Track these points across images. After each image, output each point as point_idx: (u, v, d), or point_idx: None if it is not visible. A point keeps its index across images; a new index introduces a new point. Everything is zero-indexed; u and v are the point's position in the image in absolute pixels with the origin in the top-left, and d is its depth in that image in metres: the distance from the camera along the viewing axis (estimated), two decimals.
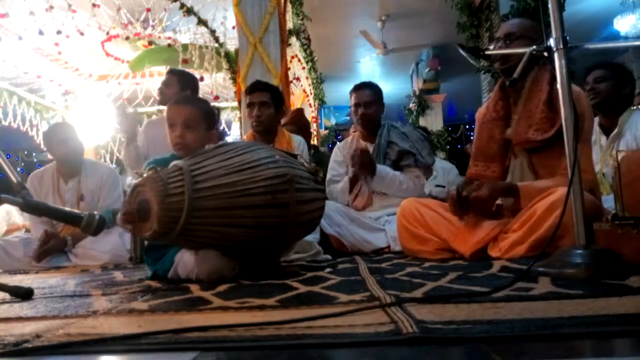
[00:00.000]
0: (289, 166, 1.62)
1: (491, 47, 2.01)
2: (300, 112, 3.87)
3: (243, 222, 1.51)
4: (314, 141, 6.24)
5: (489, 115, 2.05)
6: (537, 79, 1.91)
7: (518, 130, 1.93)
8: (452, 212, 1.94)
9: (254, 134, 2.76)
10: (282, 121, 3.52)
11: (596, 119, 2.68)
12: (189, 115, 1.77)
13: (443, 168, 4.27)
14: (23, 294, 1.37)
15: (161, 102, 3.07)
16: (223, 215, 1.50)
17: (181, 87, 2.93)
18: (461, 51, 1.69)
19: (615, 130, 2.59)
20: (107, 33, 5.49)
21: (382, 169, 2.72)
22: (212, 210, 1.48)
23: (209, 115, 1.84)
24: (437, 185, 3.90)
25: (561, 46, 1.31)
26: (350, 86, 2.96)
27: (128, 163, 2.90)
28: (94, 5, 4.86)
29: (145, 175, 1.50)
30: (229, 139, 6.78)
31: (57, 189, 2.92)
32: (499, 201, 1.99)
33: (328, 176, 2.89)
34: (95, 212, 1.55)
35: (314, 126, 7.17)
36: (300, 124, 3.49)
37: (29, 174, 3.04)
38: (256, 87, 2.70)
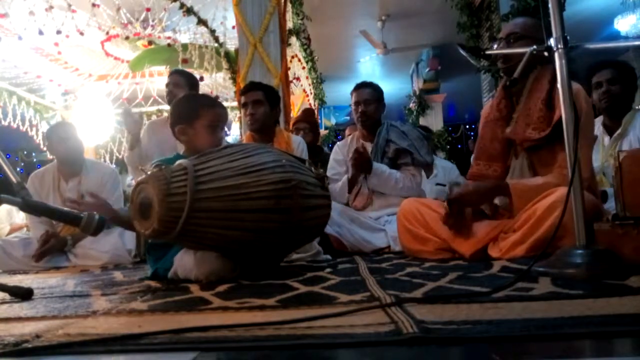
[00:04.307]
0: (295, 171, 1.59)
1: (494, 47, 2.00)
2: (311, 111, 3.95)
3: (245, 225, 1.50)
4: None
5: (492, 114, 2.04)
6: (539, 78, 1.90)
7: (517, 128, 1.93)
8: (446, 224, 1.93)
9: (252, 134, 2.75)
10: (293, 119, 3.57)
11: (599, 119, 2.67)
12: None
13: (444, 167, 4.25)
14: (23, 294, 1.37)
15: (169, 102, 3.09)
16: (225, 217, 1.49)
17: (189, 87, 3.00)
18: (461, 51, 1.69)
19: (619, 131, 2.58)
20: (107, 33, 5.47)
21: (378, 167, 2.72)
22: (213, 212, 1.47)
23: None
24: (438, 184, 3.91)
25: (561, 46, 1.31)
26: (350, 86, 2.98)
27: (133, 168, 2.88)
28: (93, 5, 4.85)
29: (149, 172, 1.50)
30: (229, 139, 6.78)
31: (58, 189, 2.93)
32: (496, 201, 1.99)
33: (327, 175, 2.89)
34: (95, 212, 1.55)
35: None
36: (311, 122, 3.53)
37: (29, 174, 3.05)
38: (249, 87, 2.72)
